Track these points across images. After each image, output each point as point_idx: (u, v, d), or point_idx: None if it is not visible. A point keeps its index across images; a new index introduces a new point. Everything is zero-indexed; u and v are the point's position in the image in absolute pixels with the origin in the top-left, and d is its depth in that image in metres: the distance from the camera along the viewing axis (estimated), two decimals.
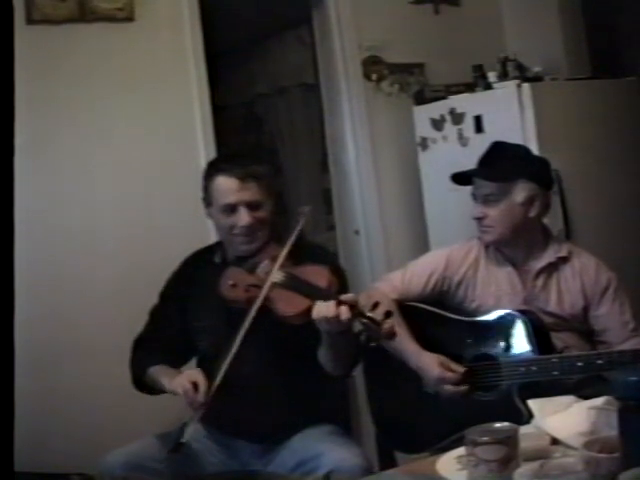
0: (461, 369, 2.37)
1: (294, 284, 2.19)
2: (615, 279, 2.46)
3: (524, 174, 2.46)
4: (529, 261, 2.49)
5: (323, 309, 2.06)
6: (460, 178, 2.58)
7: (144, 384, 2.44)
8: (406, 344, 2.42)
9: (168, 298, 2.52)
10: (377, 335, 2.12)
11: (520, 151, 2.61)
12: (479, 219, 2.48)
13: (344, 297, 2.07)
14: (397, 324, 2.42)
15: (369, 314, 2.03)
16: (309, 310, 2.09)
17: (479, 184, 2.50)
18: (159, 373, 2.38)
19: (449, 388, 2.36)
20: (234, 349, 2.18)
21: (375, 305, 2.04)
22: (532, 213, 2.47)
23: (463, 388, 2.36)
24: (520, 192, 2.45)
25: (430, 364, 2.38)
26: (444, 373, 2.35)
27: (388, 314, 2.03)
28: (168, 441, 2.26)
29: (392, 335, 2.09)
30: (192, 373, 2.26)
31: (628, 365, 2.13)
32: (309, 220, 5.01)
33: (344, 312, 2.03)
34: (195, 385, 2.20)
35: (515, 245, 2.50)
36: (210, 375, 2.22)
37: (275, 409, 2.35)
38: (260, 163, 2.45)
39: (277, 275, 2.22)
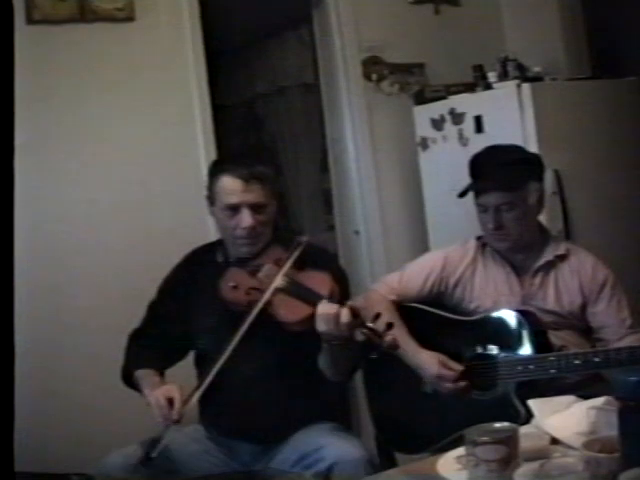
0: (459, 367, 2.37)
1: (296, 291, 2.18)
2: (612, 276, 2.46)
3: (532, 176, 2.46)
4: (528, 261, 2.49)
5: (325, 308, 2.07)
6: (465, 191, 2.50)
7: (131, 382, 2.43)
8: (404, 343, 2.41)
9: (167, 294, 2.51)
10: (379, 346, 2.09)
11: (519, 152, 2.59)
12: (494, 228, 2.43)
13: (348, 304, 2.08)
14: (395, 326, 2.43)
15: (370, 325, 2.02)
16: (310, 317, 2.09)
17: (489, 195, 2.42)
18: (143, 379, 2.36)
19: (448, 386, 2.36)
20: (224, 358, 2.17)
21: (377, 316, 2.04)
22: (542, 211, 2.47)
23: (462, 385, 2.36)
24: (532, 194, 2.44)
25: (429, 362, 2.38)
26: (443, 371, 2.36)
27: (390, 326, 2.02)
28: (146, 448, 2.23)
29: (394, 347, 2.07)
30: (169, 389, 2.23)
31: (625, 363, 2.13)
32: (309, 220, 5.04)
33: (345, 314, 2.03)
34: (170, 401, 2.18)
35: (517, 246, 2.48)
36: (205, 374, 2.22)
37: (275, 411, 2.34)
38: (265, 165, 2.44)
39: (279, 280, 2.22)
